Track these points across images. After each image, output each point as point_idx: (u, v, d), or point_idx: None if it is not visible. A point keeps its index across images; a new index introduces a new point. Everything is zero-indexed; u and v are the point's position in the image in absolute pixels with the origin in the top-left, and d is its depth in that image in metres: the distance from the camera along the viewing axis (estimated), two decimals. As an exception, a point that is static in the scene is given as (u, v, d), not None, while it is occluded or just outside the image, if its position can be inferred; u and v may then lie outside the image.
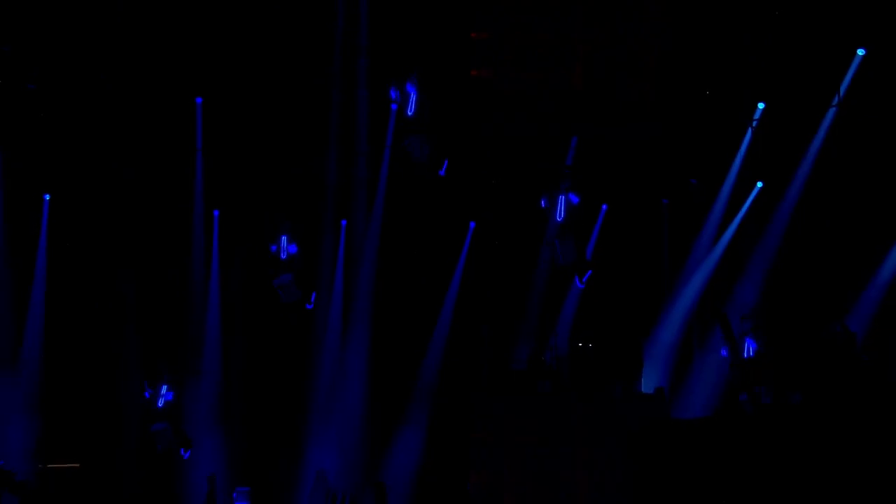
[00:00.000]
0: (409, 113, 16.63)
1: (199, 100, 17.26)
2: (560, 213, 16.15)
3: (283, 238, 16.75)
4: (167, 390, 16.01)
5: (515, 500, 15.60)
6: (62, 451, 16.33)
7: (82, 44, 16.74)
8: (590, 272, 16.23)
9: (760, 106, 17.01)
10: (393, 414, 17.50)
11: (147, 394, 16.08)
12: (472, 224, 18.17)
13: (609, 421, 15.55)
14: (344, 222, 17.94)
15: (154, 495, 16.63)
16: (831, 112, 16.63)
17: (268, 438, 17.49)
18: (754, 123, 17.06)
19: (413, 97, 16.55)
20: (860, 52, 16.23)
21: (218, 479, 16.70)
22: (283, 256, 16.71)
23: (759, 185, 17.38)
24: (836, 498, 11.78)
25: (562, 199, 16.14)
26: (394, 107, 16.87)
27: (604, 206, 18.03)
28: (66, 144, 17.00)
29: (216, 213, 17.58)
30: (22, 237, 16.99)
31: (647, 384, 16.90)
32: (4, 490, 15.08)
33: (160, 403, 16.00)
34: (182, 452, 16.23)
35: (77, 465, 16.23)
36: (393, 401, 17.53)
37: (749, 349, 15.21)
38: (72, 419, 16.79)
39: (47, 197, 17.06)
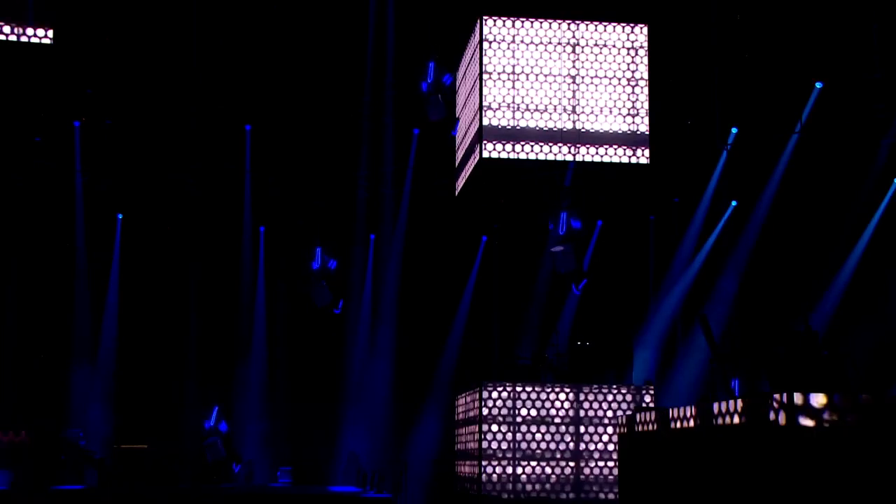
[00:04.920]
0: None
1: (248, 127, 18.08)
2: (561, 227, 16.34)
3: (318, 250, 17.28)
4: (218, 413, 16.56)
5: (522, 476, 15.41)
6: (133, 434, 16.81)
7: (149, 85, 17.60)
8: (585, 280, 16.44)
9: (734, 131, 17.59)
10: (415, 403, 18.14)
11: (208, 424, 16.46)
12: (484, 238, 18.94)
13: (603, 409, 15.53)
14: (373, 236, 18.78)
15: (208, 472, 16.81)
16: (794, 138, 17.38)
17: (307, 425, 18.14)
18: (728, 146, 17.68)
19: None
20: (818, 85, 17.03)
21: (263, 459, 17.62)
22: (317, 265, 17.16)
23: (734, 203, 18.11)
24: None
25: (563, 215, 16.33)
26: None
27: (598, 223, 18.72)
28: (135, 172, 17.83)
29: (262, 229, 18.42)
30: (99, 251, 17.87)
31: (637, 376, 17.22)
32: (86, 466, 16.02)
33: (211, 423, 16.46)
34: (234, 466, 16.60)
35: (145, 446, 16.57)
36: (415, 392, 18.15)
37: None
38: (141, 407, 17.47)
39: (120, 216, 18.02)
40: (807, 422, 10.15)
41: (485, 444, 15.35)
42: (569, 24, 16.69)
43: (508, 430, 15.45)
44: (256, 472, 17.66)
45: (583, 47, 16.66)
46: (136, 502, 15.12)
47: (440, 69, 16.59)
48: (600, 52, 16.63)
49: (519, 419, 15.50)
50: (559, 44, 16.64)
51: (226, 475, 16.50)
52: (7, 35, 14.72)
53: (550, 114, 16.53)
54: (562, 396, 15.63)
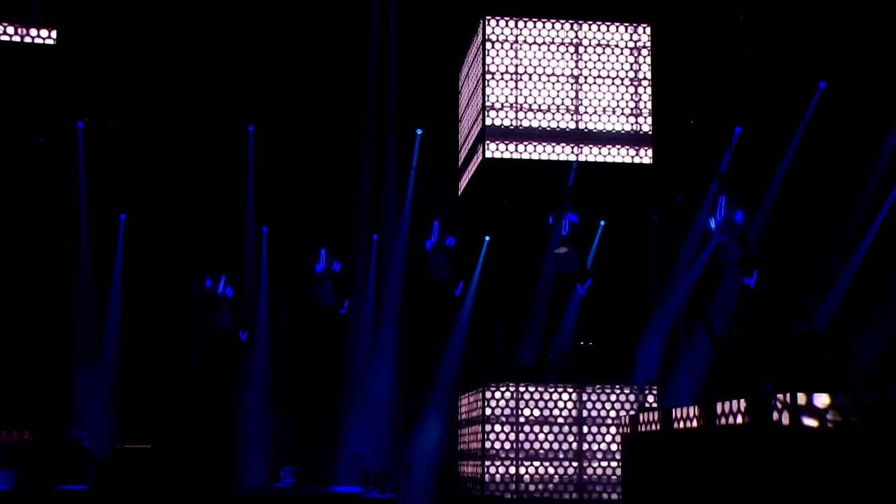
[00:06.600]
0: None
1: (251, 127, 18.03)
2: (564, 228, 16.49)
3: (322, 250, 17.36)
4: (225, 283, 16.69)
5: (525, 477, 15.49)
6: (136, 434, 16.41)
7: (152, 86, 17.61)
8: (590, 280, 16.55)
9: (737, 130, 17.45)
10: (418, 404, 18.13)
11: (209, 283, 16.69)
12: (487, 238, 18.93)
13: (606, 409, 15.59)
14: (375, 237, 18.74)
15: (212, 472, 17.11)
16: (797, 137, 17.26)
17: (310, 425, 18.13)
18: (731, 146, 17.49)
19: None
20: (821, 84, 16.91)
21: (266, 459, 17.61)
22: (322, 267, 17.23)
23: (737, 203, 18.09)
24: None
25: (566, 215, 16.48)
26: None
27: (601, 223, 18.69)
28: (139, 172, 17.82)
29: (265, 229, 18.36)
30: (102, 251, 17.86)
31: (641, 376, 17.25)
32: (88, 465, 15.80)
33: (219, 290, 16.69)
34: (241, 334, 16.82)
35: (148, 446, 16.12)
36: (417, 392, 18.15)
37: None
38: (144, 407, 17.46)
39: (123, 217, 18.00)
40: (811, 422, 10.12)
41: (488, 445, 15.32)
42: (571, 24, 16.67)
43: (511, 431, 15.48)
44: (259, 472, 17.63)
45: (585, 47, 16.67)
46: (138, 502, 15.17)
47: (444, 230, 16.81)
48: (603, 52, 16.63)
49: (522, 419, 15.54)
50: (562, 44, 16.65)
51: (233, 342, 16.66)
52: (11, 36, 14.78)
53: (553, 114, 16.54)
54: (565, 396, 15.66)
